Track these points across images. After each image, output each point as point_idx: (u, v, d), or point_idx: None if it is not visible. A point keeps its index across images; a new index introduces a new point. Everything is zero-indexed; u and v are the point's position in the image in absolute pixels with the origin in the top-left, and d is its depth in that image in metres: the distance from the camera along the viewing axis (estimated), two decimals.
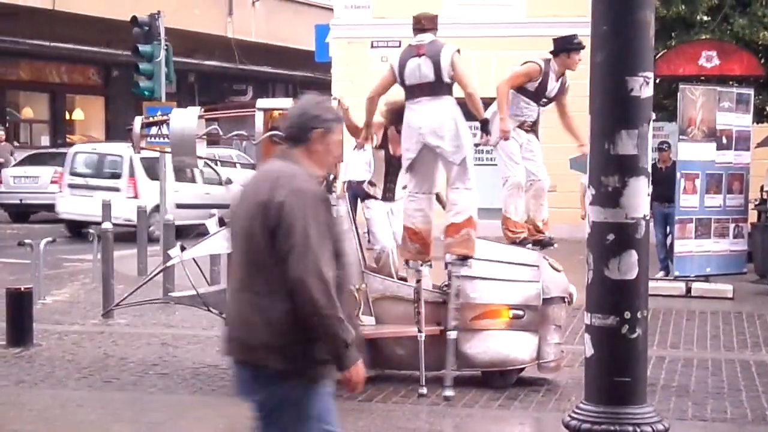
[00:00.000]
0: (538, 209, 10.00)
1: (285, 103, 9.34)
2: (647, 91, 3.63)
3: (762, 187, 16.65)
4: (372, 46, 24.47)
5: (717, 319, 13.10)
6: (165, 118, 9.56)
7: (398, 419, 8.20)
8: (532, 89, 9.85)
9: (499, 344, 9.15)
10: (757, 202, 17.41)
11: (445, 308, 9.20)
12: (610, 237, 3.67)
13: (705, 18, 17.21)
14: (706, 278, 15.30)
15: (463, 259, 9.03)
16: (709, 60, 15.45)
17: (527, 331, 9.20)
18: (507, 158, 9.80)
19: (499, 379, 9.22)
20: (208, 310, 9.91)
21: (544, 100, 9.95)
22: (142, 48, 18.18)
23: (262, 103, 9.50)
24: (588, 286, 3.75)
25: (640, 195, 3.66)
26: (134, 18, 18.41)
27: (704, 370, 10.18)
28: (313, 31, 28.08)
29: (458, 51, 9.33)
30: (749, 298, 14.89)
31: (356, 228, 9.35)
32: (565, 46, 9.87)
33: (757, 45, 16.67)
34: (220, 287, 9.86)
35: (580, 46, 9.74)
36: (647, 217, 3.71)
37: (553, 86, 9.87)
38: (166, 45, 18.21)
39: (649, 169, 3.74)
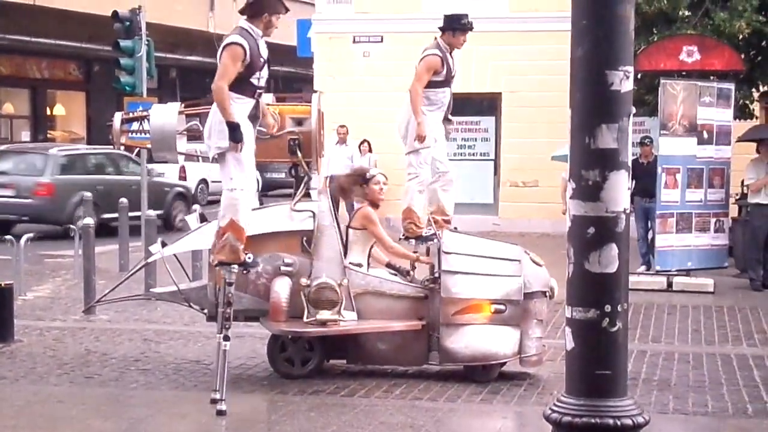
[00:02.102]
0: (448, 200, 10.00)
1: (267, 98, 9.32)
2: (627, 86, 3.64)
3: (743, 182, 16.71)
4: (354, 41, 24.47)
5: (698, 313, 13.15)
6: (145, 113, 9.53)
7: (381, 414, 8.21)
8: (442, 78, 9.84)
9: (480, 339, 9.17)
10: (737, 197, 17.48)
11: (427, 303, 9.23)
12: (591, 231, 3.68)
13: (686, 13, 17.25)
14: (687, 272, 15.36)
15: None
16: (690, 55, 15.48)
17: (509, 326, 9.22)
18: (423, 161, 9.79)
19: (482, 374, 9.24)
20: (189, 306, 9.90)
21: (452, 79, 9.94)
22: (123, 43, 18.15)
23: None
24: (568, 280, 3.76)
25: (620, 189, 3.67)
26: (115, 13, 18.38)
27: (685, 363, 10.23)
28: (294, 26, 28.03)
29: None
30: (730, 293, 14.96)
31: (338, 223, 9.35)
32: (452, 25, 9.90)
33: (737, 39, 16.72)
34: (201, 283, 9.83)
35: (466, 27, 9.83)
36: (627, 211, 3.72)
37: (452, 63, 9.89)
38: (147, 40, 18.18)
39: (630, 164, 3.75)
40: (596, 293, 3.68)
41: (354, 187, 9.60)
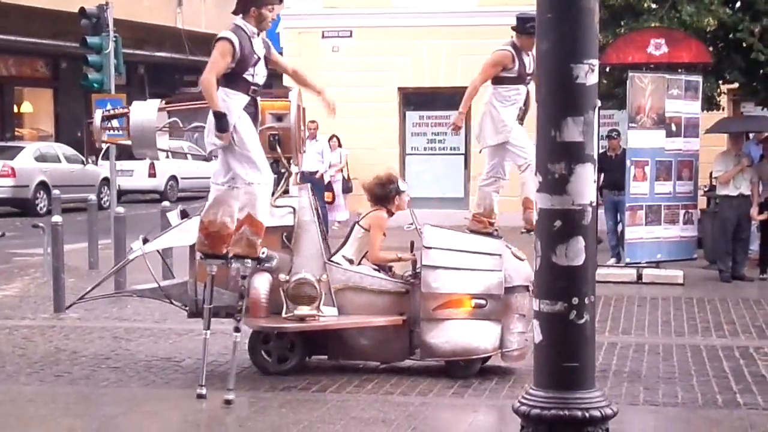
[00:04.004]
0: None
1: None
2: (592, 79, 3.65)
3: (711, 174, 16.81)
4: (323, 36, 24.44)
5: (668, 305, 13.23)
6: (126, 111, 9.51)
7: (352, 409, 8.21)
8: (514, 74, 9.85)
9: (461, 334, 9.15)
10: (706, 189, 17.59)
11: (408, 298, 9.21)
12: (558, 224, 3.69)
13: (653, 6, 17.32)
14: (657, 264, 15.44)
15: None
16: (657, 48, 15.55)
17: (490, 321, 9.18)
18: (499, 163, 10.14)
19: (462, 369, 9.22)
20: (171, 303, 9.82)
21: (528, 78, 9.86)
22: (90, 40, 18.06)
23: None
24: (536, 273, 3.78)
25: (586, 182, 3.68)
26: (82, 9, 18.28)
27: (655, 355, 10.28)
28: None
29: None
30: (699, 284, 15.05)
31: (318, 219, 9.31)
32: (518, 28, 9.89)
33: (704, 32, 16.80)
34: (182, 280, 9.73)
35: (528, 32, 9.75)
36: (594, 204, 3.74)
37: (529, 61, 9.82)
38: (115, 36, 18.10)
39: (596, 156, 3.76)
40: (563, 286, 3.69)
41: (383, 194, 9.60)
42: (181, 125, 9.82)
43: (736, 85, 18.55)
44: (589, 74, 3.64)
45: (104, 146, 10.90)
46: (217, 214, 8.58)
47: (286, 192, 9.30)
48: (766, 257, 15.61)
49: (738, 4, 17.29)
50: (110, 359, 10.14)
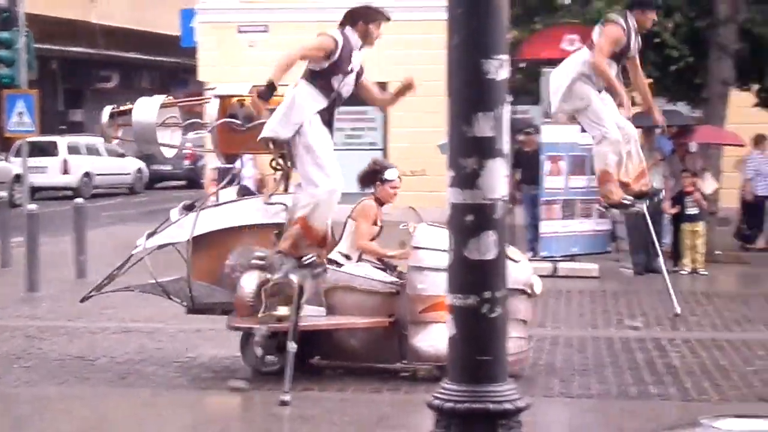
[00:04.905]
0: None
1: (243, 89, 9.19)
2: (502, 74, 3.68)
3: None
4: (239, 31, 24.30)
5: (583, 298, 13.37)
6: (131, 107, 9.41)
7: (271, 406, 8.17)
8: (619, 50, 9.70)
9: (443, 338, 8.69)
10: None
11: (397, 299, 8.92)
12: (469, 218, 3.71)
13: (567, 2, 17.51)
14: (572, 258, 15.61)
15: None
16: (571, 43, 15.72)
17: None
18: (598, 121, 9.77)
19: None
20: (170, 299, 9.60)
21: (624, 59, 9.80)
22: (1, 35, 17.75)
23: (220, 89, 9.36)
24: (448, 267, 3.79)
25: (497, 176, 3.70)
26: None
27: (570, 348, 10.38)
28: (178, 15, 27.76)
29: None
30: (614, 277, 15.23)
31: None
32: (641, 2, 9.77)
33: None
34: (179, 276, 9.50)
35: (655, 4, 9.72)
36: (505, 198, 3.76)
37: (635, 41, 9.71)
38: (27, 31, 17.82)
39: (506, 151, 3.78)
40: (475, 280, 3.72)
41: (368, 179, 9.40)
42: (180, 121, 9.71)
43: (649, 80, 18.80)
44: (499, 70, 3.66)
45: (114, 142, 10.68)
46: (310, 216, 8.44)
47: (285, 190, 9.13)
48: (678, 250, 15.86)
49: None
50: (22, 359, 9.96)
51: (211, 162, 21.11)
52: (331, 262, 8.98)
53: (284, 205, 8.95)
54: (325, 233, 8.55)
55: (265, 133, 8.43)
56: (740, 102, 18.09)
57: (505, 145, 3.77)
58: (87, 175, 31.43)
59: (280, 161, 8.98)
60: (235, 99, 9.14)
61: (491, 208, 3.71)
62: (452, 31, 3.71)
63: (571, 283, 14.51)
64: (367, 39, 8.58)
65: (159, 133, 9.29)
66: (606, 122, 9.74)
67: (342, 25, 8.52)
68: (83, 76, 37.96)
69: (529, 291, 9.14)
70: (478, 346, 3.74)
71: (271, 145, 8.83)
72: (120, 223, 23.21)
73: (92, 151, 32.31)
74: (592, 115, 9.80)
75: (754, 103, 18.56)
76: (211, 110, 9.16)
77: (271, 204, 9.03)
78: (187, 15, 26.16)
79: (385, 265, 9.33)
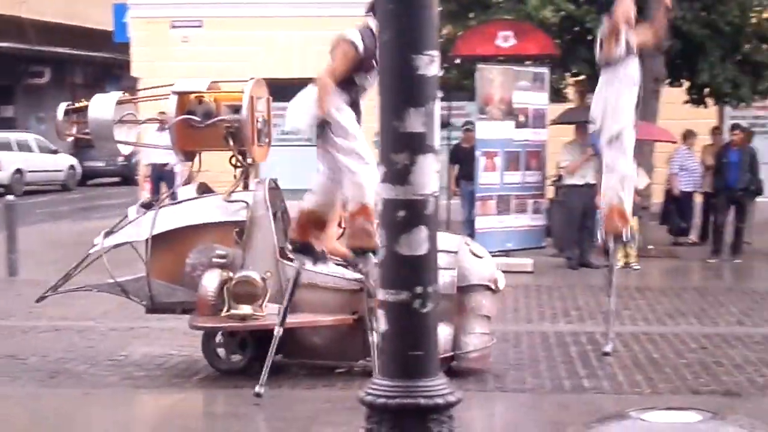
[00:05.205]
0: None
1: (201, 85, 9.07)
2: (433, 70, 3.68)
3: (558, 164, 17.17)
4: (172, 26, 24.11)
5: (518, 293, 13.43)
6: (86, 104, 9.24)
7: (205, 404, 8.13)
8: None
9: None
10: (554, 179, 17.96)
11: (361, 296, 8.68)
12: (401, 214, 3.71)
13: None
14: (507, 253, 15.69)
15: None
16: (505, 40, 15.81)
17: (440, 321, 8.75)
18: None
19: None
20: (128, 298, 9.46)
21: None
22: None
23: (178, 86, 9.22)
24: (380, 263, 3.80)
25: (428, 172, 3.71)
26: None
27: (505, 342, 10.42)
28: (111, 10, 27.48)
29: None
30: (548, 271, 15.35)
31: (271, 214, 8.93)
32: None
33: (552, 25, 17.13)
34: (138, 275, 9.35)
35: None
36: (436, 194, 3.77)
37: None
38: None
39: (437, 146, 3.79)
40: (407, 275, 3.72)
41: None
42: (138, 118, 9.57)
43: (582, 76, 18.96)
44: (429, 65, 3.67)
45: (69, 139, 10.49)
46: (318, 203, 8.24)
47: (246, 187, 9.03)
48: None
49: None
50: None
51: (145, 158, 21.00)
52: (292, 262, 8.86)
53: (245, 202, 8.85)
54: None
55: (287, 126, 8.36)
56: (672, 98, 18.31)
57: (437, 140, 3.77)
58: (18, 171, 31.02)
59: (240, 158, 8.93)
60: (193, 95, 9.04)
61: (423, 203, 3.71)
62: (383, 27, 3.71)
63: (506, 278, 14.56)
64: None
65: (116, 129, 9.16)
66: (629, 156, 9.86)
67: (368, 12, 8.11)
68: (14, 72, 37.41)
69: (493, 287, 9.10)
70: (409, 341, 3.75)
71: (231, 142, 8.78)
72: (52, 221, 22.96)
73: (24, 147, 31.90)
74: (621, 146, 9.94)
75: (685, 99, 18.80)
76: (170, 107, 9.04)
77: (232, 201, 8.94)
78: (120, 10, 25.90)
79: (348, 262, 9.18)
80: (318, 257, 8.52)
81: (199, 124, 8.81)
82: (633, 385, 8.74)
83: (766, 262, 16.65)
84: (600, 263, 15.77)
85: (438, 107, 3.73)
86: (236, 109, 8.93)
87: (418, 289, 3.72)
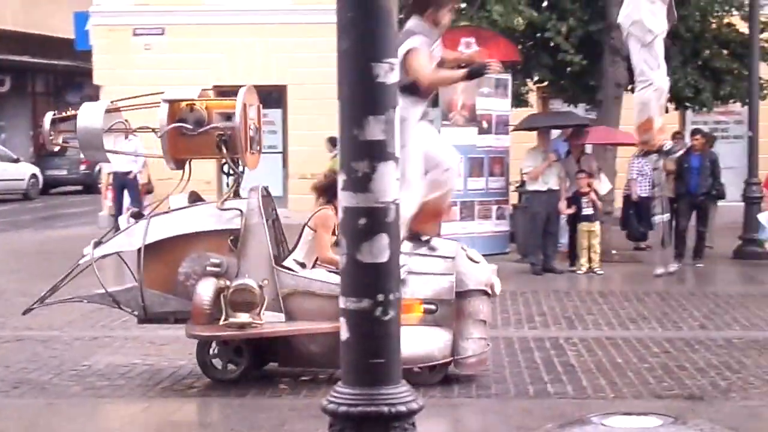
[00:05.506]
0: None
1: (192, 93, 9.00)
2: (392, 77, 3.69)
3: (521, 170, 17.25)
4: (135, 34, 24.04)
5: None
6: (75, 113, 9.14)
7: (170, 414, 8.10)
8: None
9: (408, 341, 8.56)
10: (517, 185, 18.04)
11: None
12: (362, 221, 3.72)
13: (463, 5, 17.64)
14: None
15: None
16: (468, 46, 15.85)
17: (440, 327, 8.78)
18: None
19: (418, 377, 8.50)
20: (119, 308, 9.37)
21: None
22: None
23: (169, 93, 9.14)
24: (342, 270, 3.80)
25: (388, 180, 3.72)
26: None
27: None
28: (71, 18, 27.33)
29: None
30: (513, 277, 15.36)
31: (265, 222, 8.86)
32: None
33: (514, 31, 17.21)
34: (130, 285, 9.27)
35: None
36: (397, 202, 3.77)
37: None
38: None
39: (398, 154, 3.80)
40: (368, 283, 3.73)
41: (330, 190, 9.15)
42: (128, 126, 9.46)
43: (545, 82, 19.07)
44: (389, 73, 3.68)
45: (56, 149, 10.33)
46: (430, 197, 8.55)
47: (237, 195, 8.96)
48: (574, 250, 16.10)
49: (545, 4, 17.75)
50: None
51: (107, 167, 20.88)
52: (287, 270, 8.89)
53: (239, 210, 8.80)
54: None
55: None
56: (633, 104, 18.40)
57: (397, 148, 3.78)
58: None
59: (232, 165, 8.88)
60: (184, 103, 8.98)
61: (384, 211, 3.72)
62: (342, 35, 3.71)
63: None
64: (439, 25, 8.28)
65: (105, 138, 9.05)
66: (662, 67, 9.73)
67: (408, 13, 8.16)
68: None
69: (489, 291, 9.10)
70: (371, 349, 3.75)
71: (224, 149, 8.73)
72: (13, 230, 22.78)
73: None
74: (652, 52, 9.74)
75: None
76: (161, 115, 8.97)
77: (225, 210, 8.89)
78: (81, 18, 25.76)
79: (336, 272, 9.19)
80: (424, 244, 8.85)
81: (192, 132, 8.74)
82: (597, 390, 8.77)
83: (728, 267, 16.80)
84: (564, 268, 15.88)
85: (397, 115, 3.73)
86: (228, 117, 8.86)
87: (380, 297, 3.72)
